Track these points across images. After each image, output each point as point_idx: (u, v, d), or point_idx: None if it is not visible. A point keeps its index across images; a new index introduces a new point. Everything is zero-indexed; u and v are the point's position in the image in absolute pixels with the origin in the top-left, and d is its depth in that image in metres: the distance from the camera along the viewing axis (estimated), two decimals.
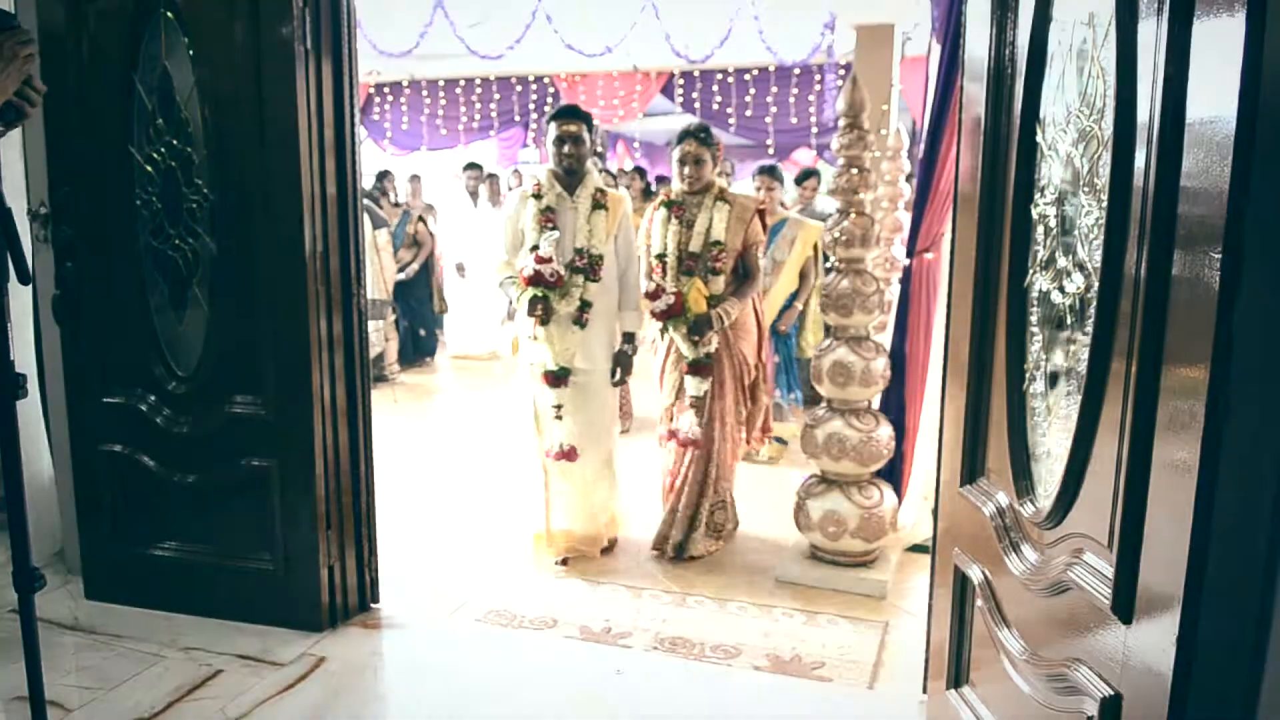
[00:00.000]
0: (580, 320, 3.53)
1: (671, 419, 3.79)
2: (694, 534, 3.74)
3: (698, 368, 3.65)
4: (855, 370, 3.41)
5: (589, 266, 3.53)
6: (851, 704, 2.67)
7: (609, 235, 3.58)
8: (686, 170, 3.66)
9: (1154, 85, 1.39)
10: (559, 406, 3.56)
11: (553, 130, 3.59)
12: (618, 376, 3.67)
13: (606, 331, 3.65)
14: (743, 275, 3.72)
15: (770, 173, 5.18)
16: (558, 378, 3.56)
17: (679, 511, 3.74)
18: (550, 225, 3.52)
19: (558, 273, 3.43)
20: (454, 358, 8.36)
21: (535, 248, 3.48)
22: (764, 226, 3.81)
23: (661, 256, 3.70)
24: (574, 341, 3.54)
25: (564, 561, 3.67)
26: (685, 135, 3.68)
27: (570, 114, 3.64)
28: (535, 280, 3.45)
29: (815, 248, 5.04)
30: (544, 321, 3.52)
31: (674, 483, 3.79)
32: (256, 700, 2.63)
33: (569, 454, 3.59)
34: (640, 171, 7.67)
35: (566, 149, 3.55)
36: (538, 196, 3.58)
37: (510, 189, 7.78)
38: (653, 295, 3.57)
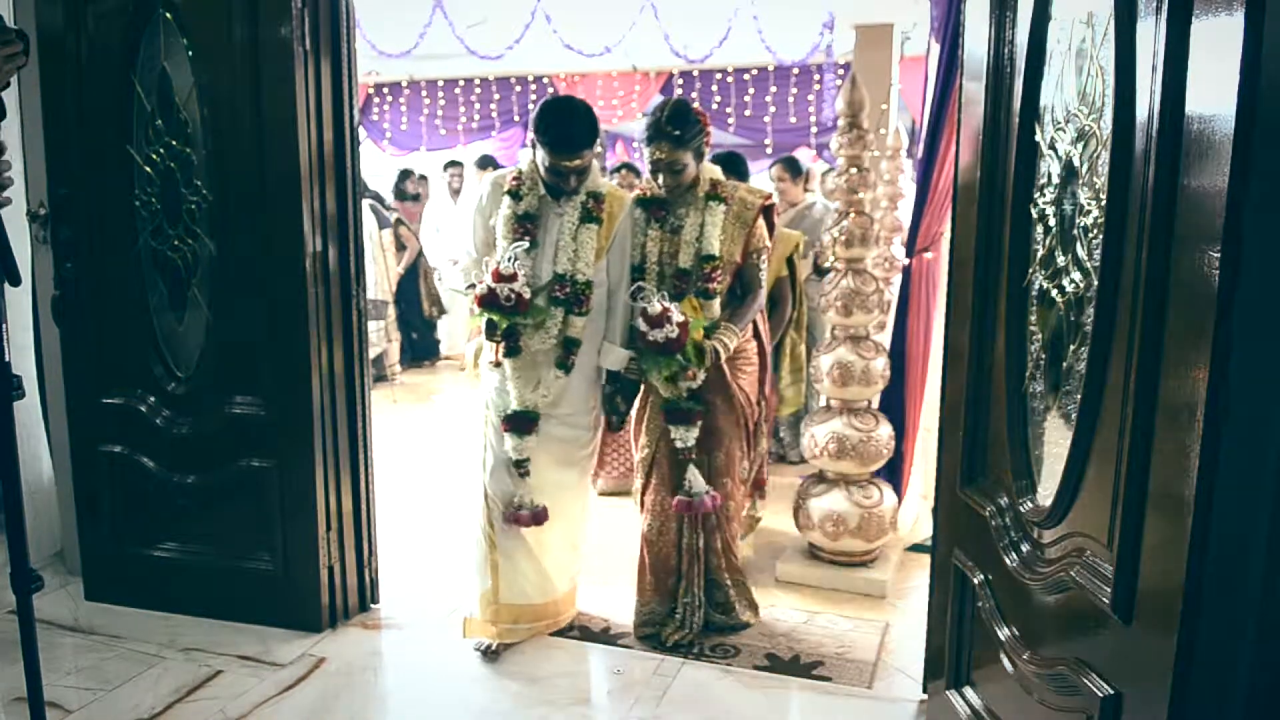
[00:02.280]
0: (566, 363, 2.82)
1: (650, 475, 2.98)
2: (674, 615, 3.00)
3: (681, 413, 2.82)
4: (855, 370, 3.41)
5: (573, 297, 2.77)
6: (851, 704, 2.67)
7: (601, 253, 2.83)
8: (661, 179, 2.82)
9: (1153, 84, 1.39)
10: (525, 461, 2.84)
11: (545, 157, 2.74)
12: (616, 422, 2.97)
13: (593, 369, 2.92)
14: (741, 292, 2.96)
15: (789, 165, 4.40)
16: (528, 421, 2.82)
17: (662, 591, 3.02)
18: (525, 236, 2.79)
19: (517, 295, 2.66)
20: (447, 358, 8.34)
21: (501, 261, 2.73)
22: (771, 227, 3.01)
23: (638, 271, 2.87)
24: (556, 388, 2.83)
25: (493, 651, 2.90)
26: (654, 135, 2.77)
27: (567, 141, 2.71)
28: (488, 302, 2.68)
29: (792, 263, 3.71)
30: (509, 353, 2.80)
31: (651, 560, 3.01)
32: (256, 701, 2.63)
33: (538, 517, 2.84)
34: (633, 169, 5.79)
35: (568, 183, 2.78)
36: (515, 196, 2.83)
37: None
38: (655, 320, 2.65)
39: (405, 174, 8.39)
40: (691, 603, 3.00)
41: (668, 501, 2.94)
